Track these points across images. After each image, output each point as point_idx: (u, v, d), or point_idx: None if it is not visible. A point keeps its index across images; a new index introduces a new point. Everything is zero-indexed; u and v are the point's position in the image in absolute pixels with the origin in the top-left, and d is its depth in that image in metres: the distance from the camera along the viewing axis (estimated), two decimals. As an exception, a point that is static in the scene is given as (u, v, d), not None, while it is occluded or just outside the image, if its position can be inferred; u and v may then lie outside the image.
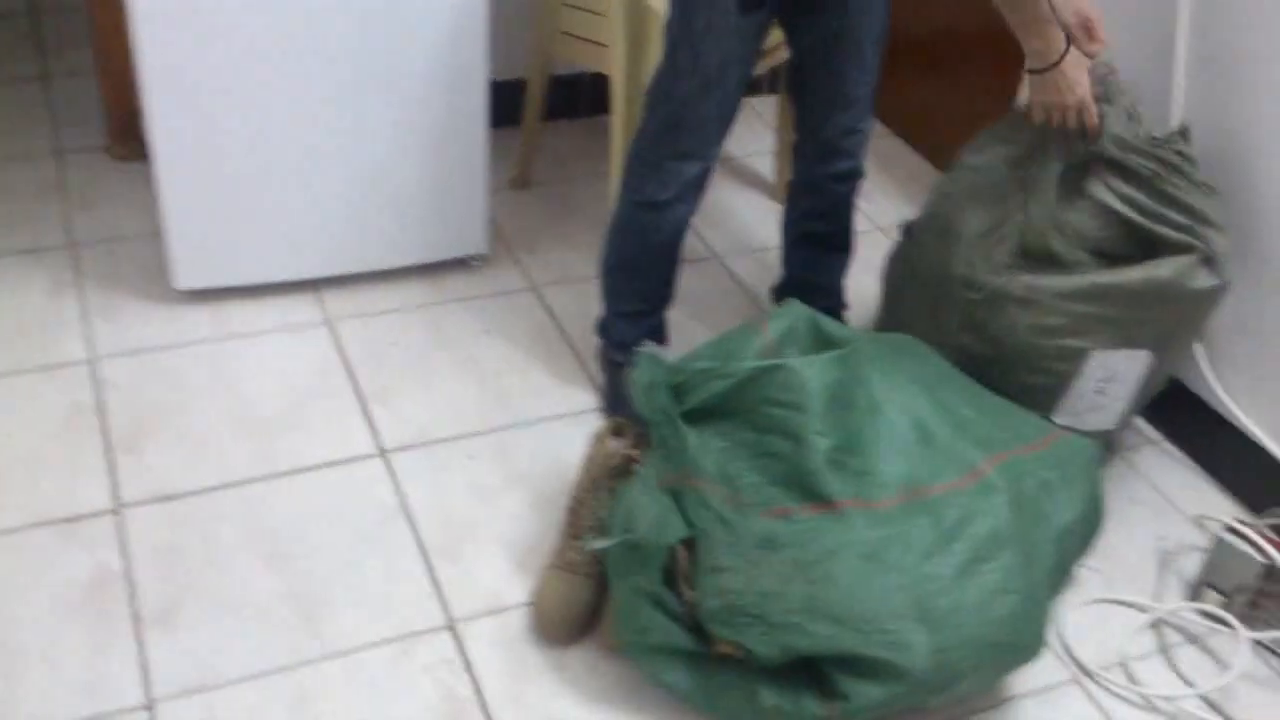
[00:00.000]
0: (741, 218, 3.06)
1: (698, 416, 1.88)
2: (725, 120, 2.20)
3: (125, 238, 2.74)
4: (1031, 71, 2.04)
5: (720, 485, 1.82)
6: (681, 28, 2.10)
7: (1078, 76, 2.01)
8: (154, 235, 2.65)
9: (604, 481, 2.03)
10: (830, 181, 2.40)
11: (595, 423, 2.34)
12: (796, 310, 2.07)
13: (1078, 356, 2.10)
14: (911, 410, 1.91)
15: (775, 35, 2.24)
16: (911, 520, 1.79)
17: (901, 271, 2.38)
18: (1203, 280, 2.06)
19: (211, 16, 2.28)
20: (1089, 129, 2.06)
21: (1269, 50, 2.12)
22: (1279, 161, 2.14)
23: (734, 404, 1.87)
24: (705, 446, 1.85)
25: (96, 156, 3.01)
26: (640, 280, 2.38)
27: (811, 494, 1.79)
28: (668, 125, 2.18)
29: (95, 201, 2.85)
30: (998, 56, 2.74)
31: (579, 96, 3.33)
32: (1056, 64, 1.99)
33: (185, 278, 2.53)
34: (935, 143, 3.23)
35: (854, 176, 2.40)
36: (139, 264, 2.66)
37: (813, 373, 1.85)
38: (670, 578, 1.84)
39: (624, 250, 2.36)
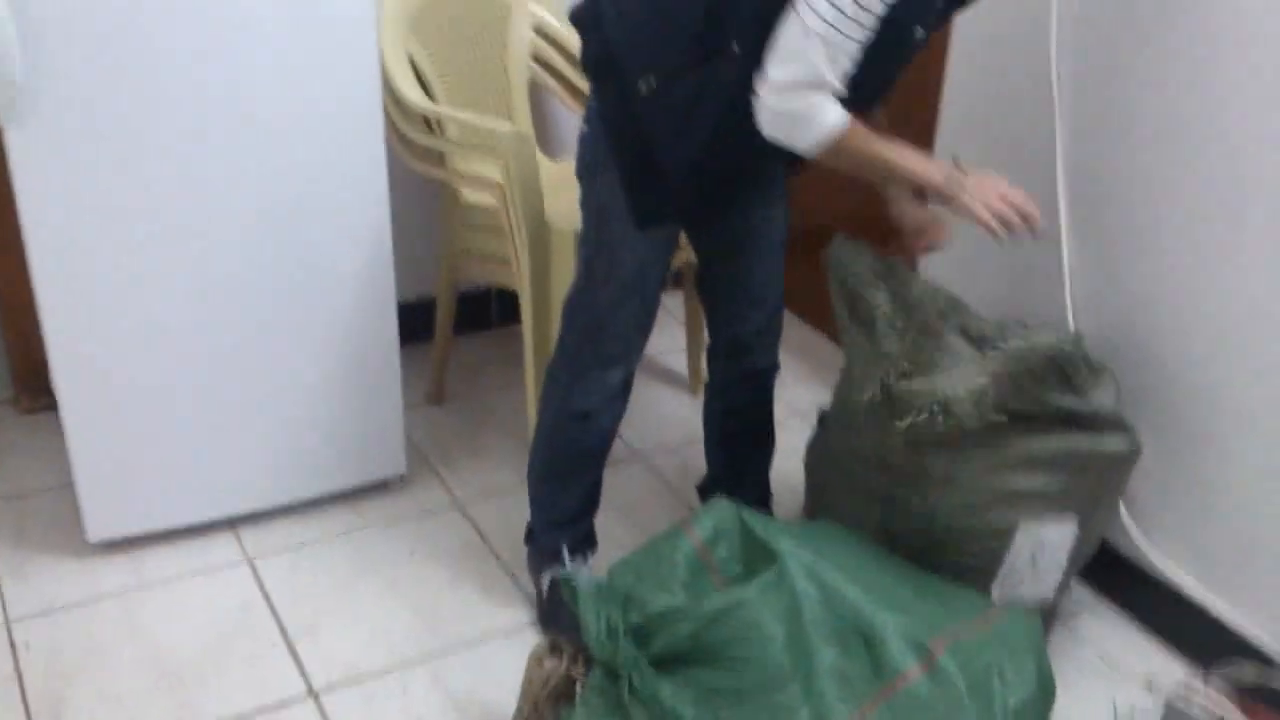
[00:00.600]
0: (659, 414, 3.07)
1: (662, 663, 1.81)
2: (645, 325, 2.21)
3: (36, 491, 2.67)
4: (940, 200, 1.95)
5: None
6: (597, 238, 2.13)
7: (973, 185, 1.90)
8: (64, 487, 2.59)
9: (546, 706, 1.97)
10: (745, 379, 2.41)
11: (532, 639, 2.29)
12: (722, 508, 2.05)
13: (1006, 532, 2.10)
14: (854, 609, 1.89)
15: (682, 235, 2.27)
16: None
17: (820, 460, 2.38)
18: (1117, 445, 2.08)
19: (114, 258, 2.27)
20: (1027, 218, 1.91)
21: (1150, 240, 2.21)
22: (1171, 337, 2.22)
23: (699, 647, 1.81)
24: (680, 697, 1.78)
25: (3, 410, 2.95)
26: (569, 488, 2.35)
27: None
28: (588, 334, 2.19)
29: (3, 456, 2.79)
30: (900, 243, 2.82)
31: (486, 309, 3.36)
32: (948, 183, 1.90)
33: (98, 528, 2.46)
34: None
35: (769, 372, 2.41)
36: (50, 517, 2.59)
37: (766, 604, 1.82)
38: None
39: (551, 460, 2.34)
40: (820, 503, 2.39)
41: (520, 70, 2.99)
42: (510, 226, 2.58)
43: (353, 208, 2.43)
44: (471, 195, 2.76)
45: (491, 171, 2.60)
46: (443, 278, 2.94)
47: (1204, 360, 2.17)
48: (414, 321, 2.87)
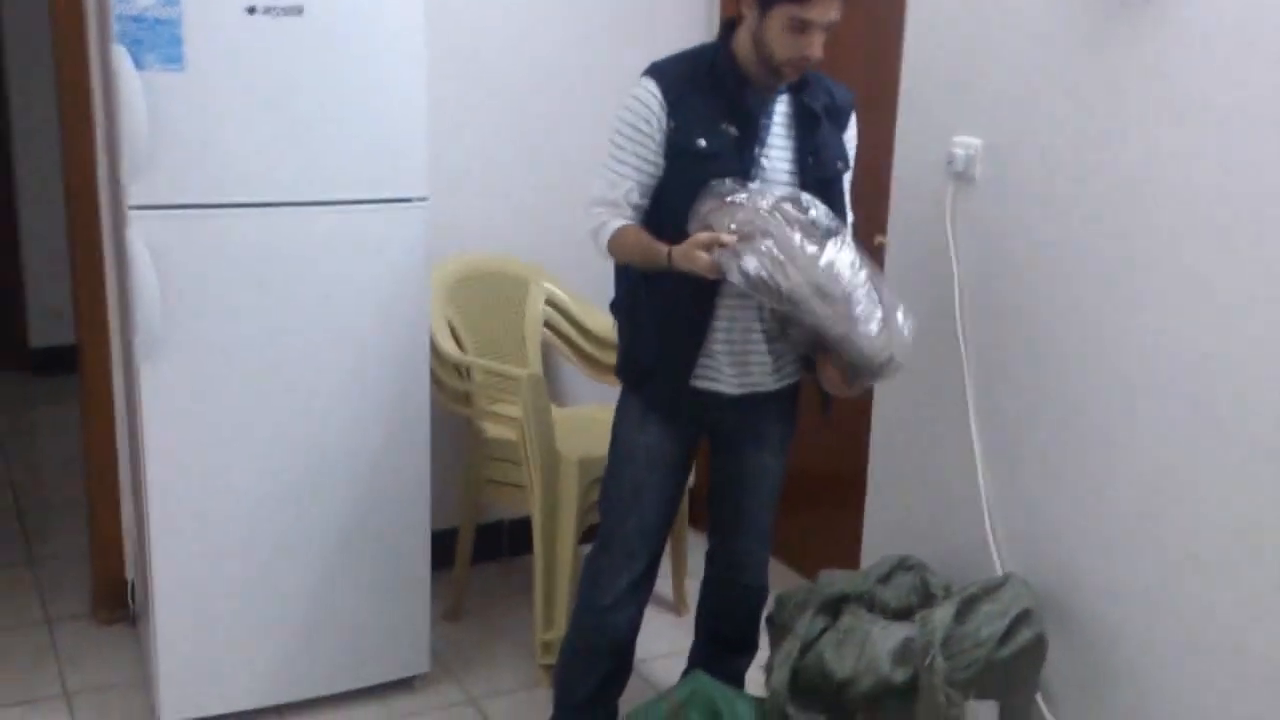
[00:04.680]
0: (647, 630, 3.35)
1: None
2: (647, 537, 2.59)
3: (113, 686, 3.10)
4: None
5: None
6: (608, 462, 2.61)
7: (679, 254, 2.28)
8: (132, 684, 3.05)
9: None
10: (735, 588, 2.76)
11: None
12: (698, 679, 2.47)
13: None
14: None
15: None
16: None
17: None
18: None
19: (219, 478, 2.82)
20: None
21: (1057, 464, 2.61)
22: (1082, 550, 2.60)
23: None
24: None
25: (82, 623, 3.41)
26: (584, 675, 2.66)
27: None
28: (603, 539, 2.61)
29: (84, 659, 3.23)
30: (850, 491, 3.21)
31: (499, 541, 3.82)
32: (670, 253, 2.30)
33: (170, 712, 2.88)
34: (807, 563, 3.59)
35: (756, 590, 2.76)
36: (126, 705, 3.02)
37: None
38: None
39: (573, 648, 2.69)
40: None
41: (535, 333, 3.57)
42: (525, 454, 3.10)
43: (401, 445, 3.00)
44: (493, 430, 3.29)
45: (511, 410, 3.14)
46: (465, 507, 3.43)
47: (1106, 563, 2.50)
48: (436, 550, 3.29)
